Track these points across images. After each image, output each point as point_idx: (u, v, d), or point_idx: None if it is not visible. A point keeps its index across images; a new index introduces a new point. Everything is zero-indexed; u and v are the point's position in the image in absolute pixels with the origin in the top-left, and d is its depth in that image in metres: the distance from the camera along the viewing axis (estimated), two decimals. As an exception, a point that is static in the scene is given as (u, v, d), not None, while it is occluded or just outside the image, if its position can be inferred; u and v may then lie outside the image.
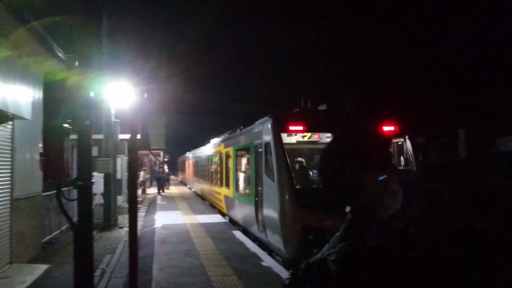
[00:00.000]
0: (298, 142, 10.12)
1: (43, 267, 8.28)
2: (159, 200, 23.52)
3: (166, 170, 36.40)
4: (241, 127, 12.94)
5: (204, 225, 12.86)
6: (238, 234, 11.27)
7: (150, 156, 33.62)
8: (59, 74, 10.10)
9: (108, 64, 8.84)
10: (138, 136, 5.06)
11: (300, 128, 8.90)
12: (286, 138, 9.45)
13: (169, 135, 28.80)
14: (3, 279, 7.39)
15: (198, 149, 27.01)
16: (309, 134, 9.95)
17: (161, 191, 29.21)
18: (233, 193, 13.09)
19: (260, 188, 9.53)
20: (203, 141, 25.00)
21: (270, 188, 8.66)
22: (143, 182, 29.53)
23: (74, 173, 4.86)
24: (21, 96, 8.14)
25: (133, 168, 4.36)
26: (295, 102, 10.81)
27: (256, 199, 9.81)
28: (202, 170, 22.83)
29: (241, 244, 10.01)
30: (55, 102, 9.87)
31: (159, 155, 33.66)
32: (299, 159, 9.59)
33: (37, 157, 9.80)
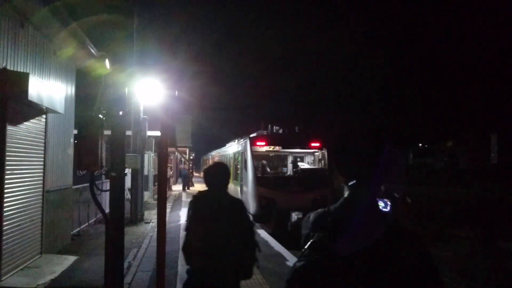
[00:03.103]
0: (266, 151, 15.82)
1: (72, 258, 8.45)
2: (184, 197, 23.76)
3: (190, 167, 36.72)
4: (239, 138, 18.15)
5: (229, 223, 12.90)
6: (262, 233, 11.24)
7: (176, 153, 33.98)
8: (91, 70, 10.32)
9: (138, 61, 8.96)
10: (168, 133, 5.09)
11: (263, 143, 14.85)
12: (258, 149, 14.95)
13: (194, 133, 29.17)
14: (34, 268, 7.58)
15: (214, 151, 34.15)
16: (272, 147, 15.48)
17: (186, 188, 29.48)
18: (232, 181, 18.73)
19: (242, 176, 15.39)
20: (224, 142, 26.11)
21: (246, 176, 14.45)
22: (168, 179, 29.84)
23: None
24: (55, 90, 8.31)
25: (163, 163, 4.38)
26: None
27: (241, 183, 15.59)
28: None
29: (265, 243, 9.97)
30: (86, 97, 10.10)
31: (185, 153, 33.97)
32: (263, 161, 15.92)
33: (69, 151, 10.03)
